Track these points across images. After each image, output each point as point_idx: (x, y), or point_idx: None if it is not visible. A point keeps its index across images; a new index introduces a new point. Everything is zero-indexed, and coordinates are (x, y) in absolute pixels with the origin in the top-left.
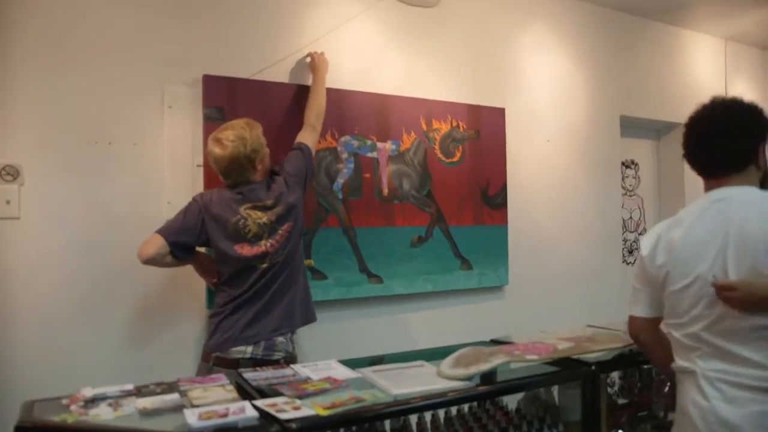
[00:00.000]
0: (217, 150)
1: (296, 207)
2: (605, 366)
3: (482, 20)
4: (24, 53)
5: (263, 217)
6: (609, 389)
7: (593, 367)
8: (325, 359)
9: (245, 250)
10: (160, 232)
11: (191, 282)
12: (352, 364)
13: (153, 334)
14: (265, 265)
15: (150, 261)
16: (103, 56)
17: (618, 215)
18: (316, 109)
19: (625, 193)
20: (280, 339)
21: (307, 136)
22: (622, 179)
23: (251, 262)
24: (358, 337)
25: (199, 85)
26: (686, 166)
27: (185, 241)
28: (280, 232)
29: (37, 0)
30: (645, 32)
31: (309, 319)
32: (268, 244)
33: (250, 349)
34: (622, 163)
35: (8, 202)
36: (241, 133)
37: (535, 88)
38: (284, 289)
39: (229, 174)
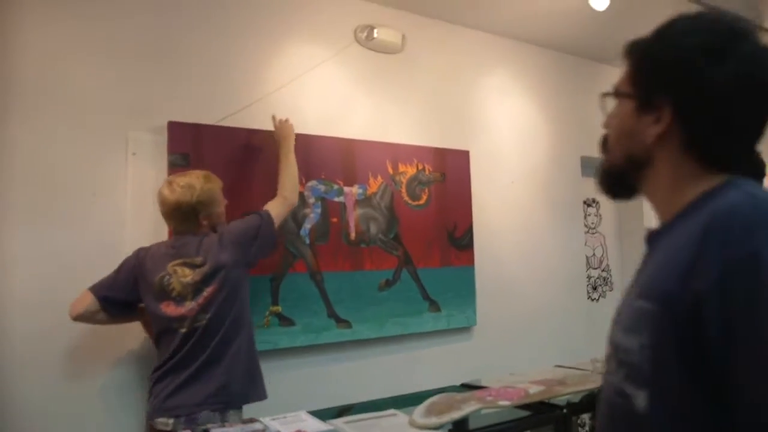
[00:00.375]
0: (165, 192)
1: (226, 269)
2: (576, 408)
3: (447, 66)
4: None
5: (189, 276)
6: (580, 429)
7: (564, 410)
8: (294, 408)
9: (170, 309)
10: (92, 288)
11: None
12: (321, 414)
13: (105, 388)
14: (184, 330)
15: (79, 318)
16: (65, 103)
17: (582, 253)
18: (291, 179)
19: (588, 231)
20: (206, 414)
21: (275, 205)
22: (585, 217)
23: (172, 324)
24: (326, 384)
25: (164, 132)
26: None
27: (116, 296)
28: (204, 294)
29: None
30: (603, 76)
31: (254, 396)
32: (190, 306)
33: (171, 421)
34: (584, 202)
35: None
36: (192, 182)
37: (499, 130)
38: (216, 359)
39: (170, 220)
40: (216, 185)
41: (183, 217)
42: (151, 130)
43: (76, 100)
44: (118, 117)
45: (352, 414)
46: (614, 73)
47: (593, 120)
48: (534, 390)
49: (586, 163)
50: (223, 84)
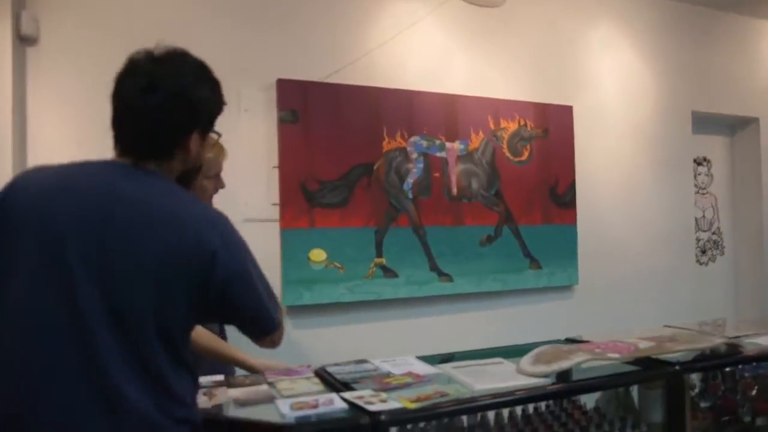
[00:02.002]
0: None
1: None
2: (689, 366)
3: (549, 19)
4: (114, 69)
5: None
6: (690, 391)
7: (677, 367)
8: (395, 355)
9: None
10: None
11: None
12: (425, 360)
13: None
14: None
15: None
16: None
17: (690, 214)
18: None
19: (698, 191)
20: None
21: None
22: (694, 177)
23: None
24: (427, 335)
25: (274, 89)
26: (764, 162)
27: None
28: None
29: (123, 14)
30: (717, 24)
31: None
32: None
33: None
34: (694, 160)
35: None
36: None
37: (603, 85)
38: None
39: None
40: (211, 154)
41: None
42: (262, 87)
43: None
44: (230, 75)
45: (453, 362)
46: (727, 20)
47: (706, 73)
48: (644, 345)
49: (697, 118)
50: (328, 42)
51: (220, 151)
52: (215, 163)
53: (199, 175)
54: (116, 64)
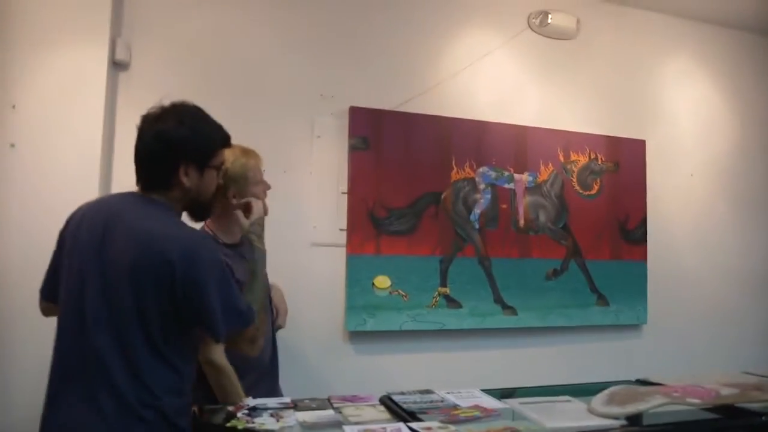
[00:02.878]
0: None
1: None
2: None
3: (622, 51)
4: (196, 94)
5: None
6: None
7: (764, 418)
8: (455, 387)
9: None
10: None
11: None
12: (488, 393)
13: None
14: None
15: None
16: (260, 91)
17: None
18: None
19: None
20: None
21: None
22: None
23: None
24: (489, 367)
25: (346, 116)
26: None
27: None
28: None
29: (207, 42)
30: None
31: None
32: None
33: None
34: None
35: None
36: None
37: (678, 119)
38: None
39: None
40: (254, 161)
41: None
42: (335, 114)
43: (271, 87)
44: (305, 102)
45: (519, 397)
46: None
47: None
48: (726, 392)
49: None
50: (401, 71)
51: (257, 156)
52: (257, 169)
53: (249, 187)
54: (197, 90)
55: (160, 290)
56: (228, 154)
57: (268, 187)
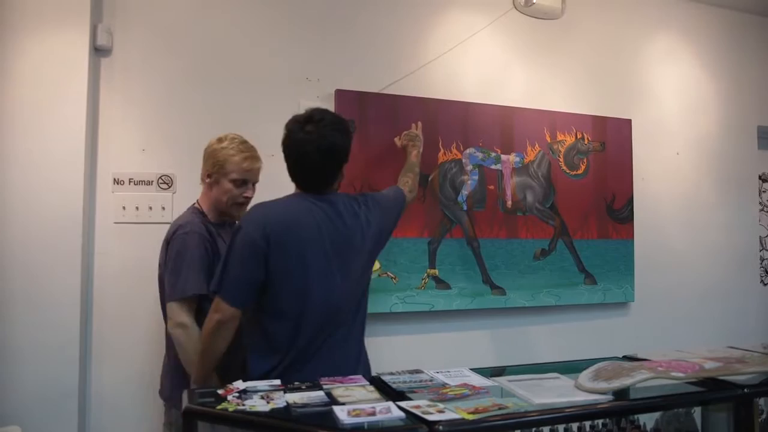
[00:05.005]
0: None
1: None
2: (759, 389)
3: (608, 30)
4: (180, 79)
5: None
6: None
7: (746, 390)
8: (446, 367)
9: None
10: None
11: None
12: (478, 372)
13: None
14: None
15: None
16: (245, 75)
17: (755, 232)
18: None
19: (762, 209)
20: None
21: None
22: (759, 194)
23: None
24: (479, 347)
25: (332, 100)
26: None
27: None
28: None
29: (190, 27)
30: None
31: None
32: None
33: None
34: (759, 177)
35: (163, 208)
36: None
37: (664, 98)
38: None
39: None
40: (242, 160)
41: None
42: (321, 98)
43: (256, 70)
44: (290, 85)
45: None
46: None
47: None
48: (710, 365)
49: (763, 133)
50: (386, 53)
51: (253, 160)
52: (241, 168)
53: (223, 178)
54: (181, 75)
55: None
56: (229, 141)
57: (248, 195)
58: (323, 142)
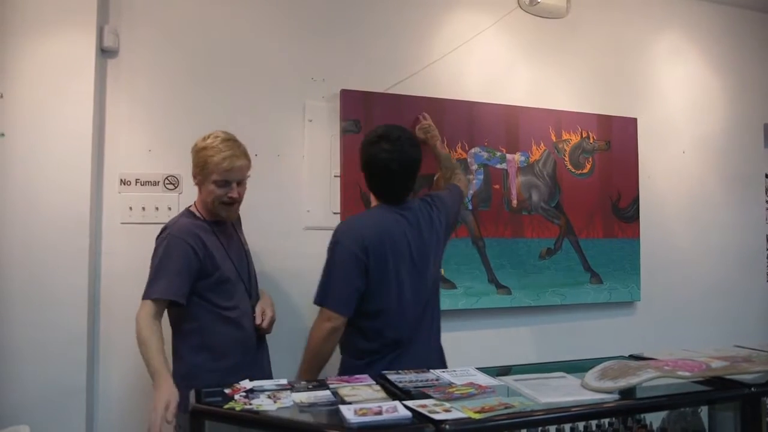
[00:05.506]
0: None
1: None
2: (766, 388)
3: (613, 29)
4: (186, 80)
5: None
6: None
7: (753, 389)
8: (452, 366)
9: None
10: None
11: None
12: (484, 372)
13: None
14: None
15: None
16: (251, 75)
17: (761, 231)
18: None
19: None
20: None
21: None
22: (766, 192)
23: None
24: (485, 347)
25: (337, 100)
26: None
27: None
28: None
29: (195, 28)
30: None
31: None
32: None
33: None
34: (766, 175)
35: (170, 209)
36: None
37: (670, 96)
38: None
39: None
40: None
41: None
42: (326, 98)
43: (262, 71)
44: (296, 86)
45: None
46: None
47: None
48: (717, 364)
49: None
50: (391, 53)
51: (234, 158)
52: (220, 168)
53: (206, 179)
54: (187, 76)
55: None
56: (213, 140)
57: (233, 195)
58: (405, 158)
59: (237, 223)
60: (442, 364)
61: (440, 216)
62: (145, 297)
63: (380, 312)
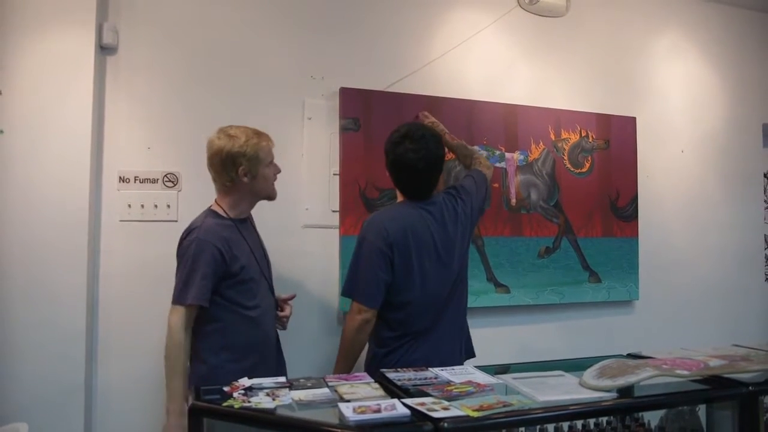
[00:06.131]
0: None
1: None
2: (765, 387)
3: (613, 28)
4: (185, 77)
5: None
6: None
7: (751, 388)
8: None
9: None
10: None
11: None
12: (482, 370)
13: None
14: None
15: None
16: (251, 73)
17: (760, 230)
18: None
19: None
20: None
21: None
22: (765, 192)
23: None
24: (483, 345)
25: (336, 98)
26: None
27: None
28: None
29: (195, 25)
30: None
31: None
32: None
33: None
34: (765, 175)
35: (169, 206)
36: (238, 133)
37: (669, 95)
38: None
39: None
40: (265, 143)
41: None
42: (325, 96)
43: (261, 69)
44: (295, 84)
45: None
46: None
47: None
48: (715, 363)
49: None
50: (390, 51)
51: (269, 139)
52: (268, 151)
53: (260, 167)
54: (187, 74)
55: None
56: (240, 134)
57: (278, 170)
58: (431, 155)
59: (251, 219)
60: (467, 353)
61: (465, 207)
62: (178, 302)
63: (405, 304)
